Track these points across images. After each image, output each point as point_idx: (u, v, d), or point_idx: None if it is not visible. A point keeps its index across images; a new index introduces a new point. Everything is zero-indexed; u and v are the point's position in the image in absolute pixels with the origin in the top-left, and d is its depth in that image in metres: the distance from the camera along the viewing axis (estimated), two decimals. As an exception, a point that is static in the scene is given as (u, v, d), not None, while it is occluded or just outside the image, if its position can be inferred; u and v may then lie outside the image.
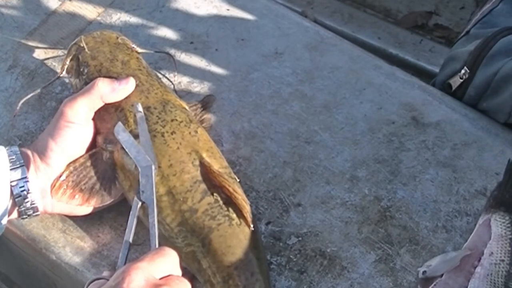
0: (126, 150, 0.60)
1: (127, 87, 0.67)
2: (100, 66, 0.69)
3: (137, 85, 0.68)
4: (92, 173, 0.65)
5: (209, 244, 0.60)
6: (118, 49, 0.72)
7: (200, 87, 0.81)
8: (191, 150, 0.64)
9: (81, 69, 0.70)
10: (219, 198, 0.62)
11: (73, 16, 0.88)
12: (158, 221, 0.61)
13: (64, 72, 0.73)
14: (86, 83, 0.68)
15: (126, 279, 0.49)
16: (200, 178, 0.63)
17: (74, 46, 0.72)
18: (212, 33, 0.86)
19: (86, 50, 0.71)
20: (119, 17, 0.88)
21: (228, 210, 0.61)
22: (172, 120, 0.66)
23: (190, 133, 0.65)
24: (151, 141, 0.63)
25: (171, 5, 0.89)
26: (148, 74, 0.70)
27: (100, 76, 0.68)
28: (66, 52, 0.74)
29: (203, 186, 0.62)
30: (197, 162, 0.63)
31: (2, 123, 0.77)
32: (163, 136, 0.64)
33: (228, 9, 0.89)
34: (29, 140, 0.75)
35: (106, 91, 0.66)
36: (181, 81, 0.81)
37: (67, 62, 0.72)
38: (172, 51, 0.84)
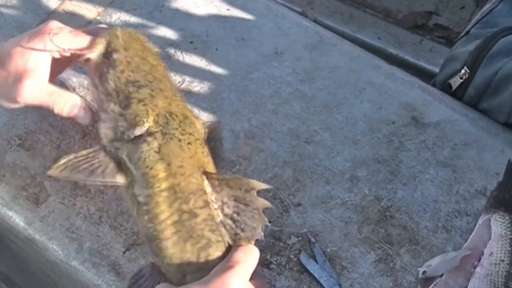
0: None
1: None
2: (130, 58, 0.68)
3: (162, 90, 0.67)
4: (94, 161, 0.64)
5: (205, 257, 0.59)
6: (148, 51, 0.71)
7: (200, 87, 0.81)
8: (201, 167, 0.63)
9: (109, 55, 0.68)
10: (219, 216, 0.61)
11: (72, 15, 0.87)
12: (149, 219, 0.59)
13: (91, 53, 0.68)
14: (106, 71, 0.66)
15: None
16: (204, 189, 0.61)
17: (107, 32, 0.70)
18: (212, 33, 0.86)
19: (120, 40, 0.69)
20: (118, 16, 0.88)
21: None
22: (190, 134, 0.65)
23: (203, 152, 0.64)
24: (169, 144, 0.63)
25: (171, 5, 0.89)
26: (172, 85, 0.69)
27: (128, 69, 0.67)
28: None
29: (206, 197, 0.61)
30: (204, 179, 0.62)
31: (2, 123, 0.77)
32: (180, 141, 0.63)
33: (228, 9, 0.89)
34: (29, 140, 0.75)
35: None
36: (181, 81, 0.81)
37: (100, 43, 0.68)
38: (172, 51, 0.84)
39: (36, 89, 0.65)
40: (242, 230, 0.60)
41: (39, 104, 0.66)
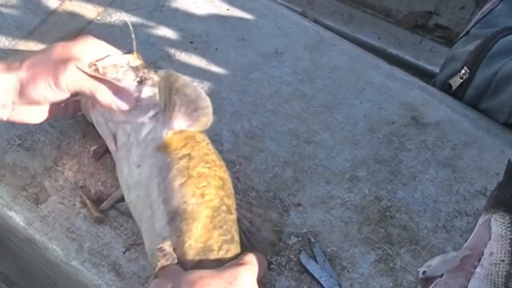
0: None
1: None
2: None
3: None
4: None
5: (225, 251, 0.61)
6: None
7: (200, 87, 0.80)
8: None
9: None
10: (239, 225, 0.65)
11: (72, 15, 0.87)
12: (196, 195, 0.60)
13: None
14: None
15: None
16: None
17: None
18: (212, 33, 0.86)
19: None
20: (119, 16, 0.88)
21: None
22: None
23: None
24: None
25: (171, 5, 0.89)
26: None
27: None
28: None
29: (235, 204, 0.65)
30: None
31: (2, 123, 0.76)
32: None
33: (228, 9, 0.89)
34: (29, 140, 0.75)
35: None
36: (181, 81, 0.81)
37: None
38: (172, 51, 0.84)
39: (80, 73, 0.63)
40: (252, 246, 0.64)
41: (77, 89, 0.63)
